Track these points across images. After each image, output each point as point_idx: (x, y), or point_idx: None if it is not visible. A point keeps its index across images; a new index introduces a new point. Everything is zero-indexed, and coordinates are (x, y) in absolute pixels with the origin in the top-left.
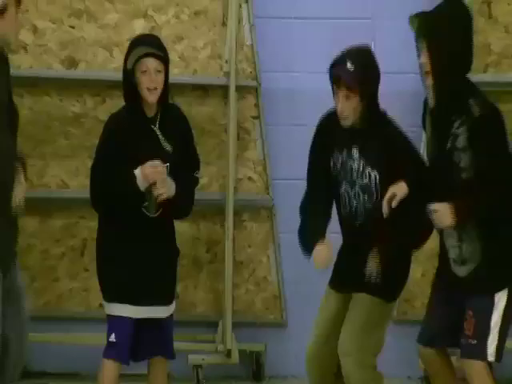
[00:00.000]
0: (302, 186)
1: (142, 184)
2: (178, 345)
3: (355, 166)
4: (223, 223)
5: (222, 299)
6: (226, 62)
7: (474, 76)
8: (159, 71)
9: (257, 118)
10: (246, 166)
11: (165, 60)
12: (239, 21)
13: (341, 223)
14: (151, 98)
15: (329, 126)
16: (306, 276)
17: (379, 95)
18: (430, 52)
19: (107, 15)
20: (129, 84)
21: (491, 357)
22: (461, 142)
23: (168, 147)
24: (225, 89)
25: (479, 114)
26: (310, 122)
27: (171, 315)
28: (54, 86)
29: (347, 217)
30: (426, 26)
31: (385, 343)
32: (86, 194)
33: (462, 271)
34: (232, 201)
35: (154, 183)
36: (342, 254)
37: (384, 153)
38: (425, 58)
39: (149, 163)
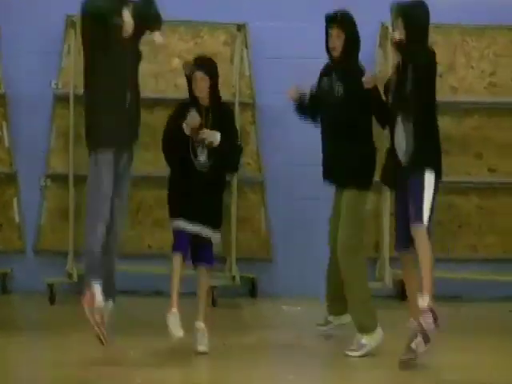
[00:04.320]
0: (285, 168)
1: (186, 130)
2: None
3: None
4: (231, 193)
5: (230, 242)
6: (233, 86)
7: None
8: (203, 79)
9: (253, 123)
10: (246, 155)
11: (210, 73)
12: (241, 60)
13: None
14: (201, 94)
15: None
16: (285, 228)
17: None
18: (406, 28)
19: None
20: (190, 87)
21: (425, 221)
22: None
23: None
24: (233, 104)
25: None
26: (290, 127)
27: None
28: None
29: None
30: (403, 11)
31: None
32: None
33: (404, 159)
34: (235, 178)
35: (199, 130)
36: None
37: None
38: (399, 33)
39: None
